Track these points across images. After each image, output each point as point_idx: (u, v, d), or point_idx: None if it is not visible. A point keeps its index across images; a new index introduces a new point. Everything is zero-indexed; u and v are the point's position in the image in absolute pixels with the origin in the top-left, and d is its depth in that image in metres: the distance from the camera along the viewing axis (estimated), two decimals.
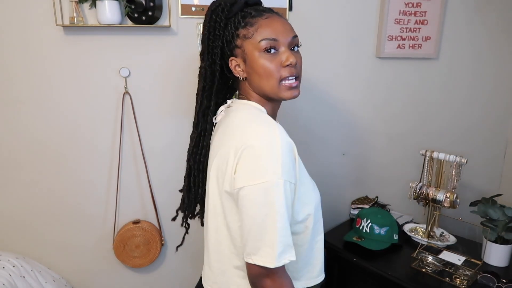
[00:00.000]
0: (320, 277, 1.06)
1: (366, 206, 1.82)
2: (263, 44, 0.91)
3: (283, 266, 0.87)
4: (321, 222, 1.03)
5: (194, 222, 1.81)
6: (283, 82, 0.93)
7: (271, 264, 0.84)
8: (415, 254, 1.50)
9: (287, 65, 0.92)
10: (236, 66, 0.97)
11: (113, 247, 1.68)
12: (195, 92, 1.65)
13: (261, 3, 1.00)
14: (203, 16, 1.56)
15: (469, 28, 1.86)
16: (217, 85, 1.03)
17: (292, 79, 0.93)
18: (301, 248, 0.98)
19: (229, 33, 0.95)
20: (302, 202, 0.93)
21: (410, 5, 1.75)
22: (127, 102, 1.61)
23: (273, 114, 1.02)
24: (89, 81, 1.56)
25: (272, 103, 1.00)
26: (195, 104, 1.77)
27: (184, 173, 1.82)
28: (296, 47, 0.95)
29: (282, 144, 0.85)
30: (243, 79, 0.97)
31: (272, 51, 0.92)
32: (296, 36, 0.94)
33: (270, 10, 0.96)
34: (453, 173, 1.58)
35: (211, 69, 1.01)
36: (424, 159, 1.67)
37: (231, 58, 0.97)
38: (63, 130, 1.59)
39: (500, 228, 1.47)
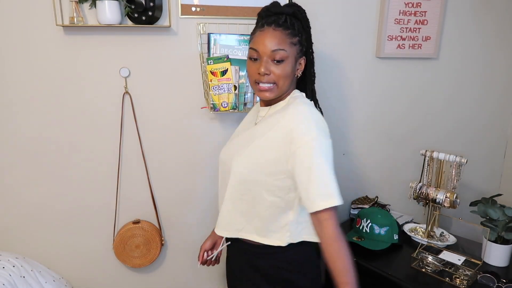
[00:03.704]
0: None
1: (366, 206, 1.82)
2: (249, 51, 1.15)
3: None
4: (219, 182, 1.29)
5: (194, 223, 1.81)
6: (257, 84, 1.14)
7: None
8: (415, 254, 1.50)
9: (259, 73, 1.11)
10: None
11: (113, 247, 1.68)
12: (195, 91, 1.66)
13: (284, 12, 1.13)
14: (203, 16, 1.58)
15: (469, 28, 1.86)
16: None
17: (264, 84, 1.12)
18: None
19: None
20: None
21: (410, 5, 1.75)
22: (127, 102, 1.61)
23: (262, 100, 1.24)
24: (89, 81, 1.56)
25: None
26: (194, 103, 1.77)
27: (184, 172, 1.83)
28: (280, 60, 1.10)
29: None
30: None
31: (254, 59, 1.13)
32: (278, 50, 1.09)
33: (275, 22, 1.11)
34: (453, 173, 1.58)
35: None
36: (424, 159, 1.67)
37: None
38: (63, 131, 1.59)
39: (500, 228, 1.47)
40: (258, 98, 1.59)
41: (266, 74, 1.11)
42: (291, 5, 1.16)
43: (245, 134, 1.23)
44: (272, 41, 1.09)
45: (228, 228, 1.22)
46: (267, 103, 1.21)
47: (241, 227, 1.19)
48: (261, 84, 1.13)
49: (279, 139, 1.08)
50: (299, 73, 1.19)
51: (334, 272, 1.02)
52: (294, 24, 1.12)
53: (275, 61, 1.10)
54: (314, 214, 1.05)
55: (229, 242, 1.28)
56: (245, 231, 1.19)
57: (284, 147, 1.07)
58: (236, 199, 1.17)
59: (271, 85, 1.12)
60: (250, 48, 1.14)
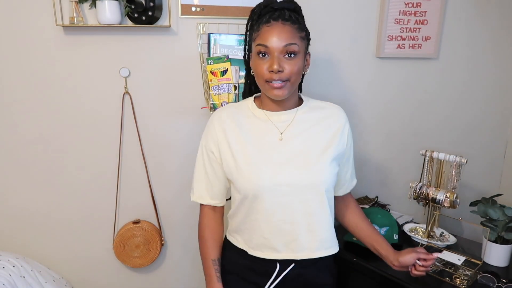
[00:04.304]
0: (253, 252, 1.16)
1: (366, 206, 1.82)
2: (257, 48, 1.07)
3: (203, 205, 1.24)
4: (260, 209, 1.11)
5: (194, 223, 1.81)
6: (269, 82, 1.07)
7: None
8: None
9: (271, 71, 1.05)
10: (250, 62, 1.15)
11: (113, 247, 1.69)
12: (195, 91, 1.66)
13: (286, 7, 1.10)
14: (203, 16, 1.58)
15: (469, 28, 1.86)
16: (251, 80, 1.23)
17: (276, 81, 1.06)
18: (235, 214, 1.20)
19: (251, 34, 1.14)
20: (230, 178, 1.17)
21: (410, 5, 1.75)
22: (127, 102, 1.61)
23: (273, 104, 1.15)
24: (89, 81, 1.56)
25: (268, 97, 1.15)
26: (194, 103, 1.77)
27: (183, 172, 1.82)
28: (292, 54, 1.06)
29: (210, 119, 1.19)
30: (252, 74, 1.14)
31: (264, 55, 1.06)
32: (291, 44, 1.04)
33: (282, 17, 1.06)
34: (453, 173, 1.58)
35: (247, 65, 1.22)
36: (424, 159, 1.67)
37: (250, 55, 1.16)
38: (63, 131, 1.59)
39: (500, 228, 1.47)
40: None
41: (280, 71, 1.04)
42: (289, 0, 1.13)
43: (291, 146, 1.12)
44: (283, 35, 1.04)
45: (333, 244, 1.21)
46: (281, 105, 1.15)
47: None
48: (273, 82, 1.06)
49: (343, 140, 1.18)
50: (307, 69, 1.16)
51: (366, 219, 1.31)
52: (299, 18, 1.10)
53: (287, 55, 1.05)
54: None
55: (293, 264, 1.17)
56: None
57: (345, 145, 1.19)
58: (331, 212, 1.19)
59: (284, 82, 1.06)
60: (258, 44, 1.06)
